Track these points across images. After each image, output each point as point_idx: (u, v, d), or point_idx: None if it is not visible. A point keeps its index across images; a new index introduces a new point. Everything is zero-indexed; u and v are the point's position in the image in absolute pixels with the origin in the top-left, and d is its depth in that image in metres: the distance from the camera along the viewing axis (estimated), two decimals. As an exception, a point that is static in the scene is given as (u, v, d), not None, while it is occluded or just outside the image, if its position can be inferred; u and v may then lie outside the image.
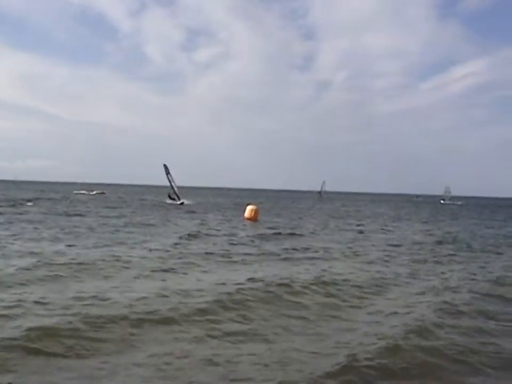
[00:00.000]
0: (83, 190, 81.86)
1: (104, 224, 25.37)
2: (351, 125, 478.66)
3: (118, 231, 22.32)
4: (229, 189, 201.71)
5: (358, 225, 32.46)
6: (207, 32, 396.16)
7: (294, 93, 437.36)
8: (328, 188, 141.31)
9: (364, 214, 49.91)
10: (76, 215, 31.62)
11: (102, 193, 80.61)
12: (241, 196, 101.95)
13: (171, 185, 51.91)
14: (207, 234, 22.07)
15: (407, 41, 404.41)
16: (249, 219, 32.60)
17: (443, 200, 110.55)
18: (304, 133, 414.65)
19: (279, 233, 23.69)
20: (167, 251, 15.85)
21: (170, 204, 49.92)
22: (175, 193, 52.23)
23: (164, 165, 51.34)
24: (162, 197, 60.81)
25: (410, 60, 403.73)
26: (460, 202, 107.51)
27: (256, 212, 33.55)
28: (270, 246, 18.53)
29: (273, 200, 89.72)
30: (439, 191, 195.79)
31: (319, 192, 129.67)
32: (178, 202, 50.65)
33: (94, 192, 79.23)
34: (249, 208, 34.03)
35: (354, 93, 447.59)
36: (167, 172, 50.93)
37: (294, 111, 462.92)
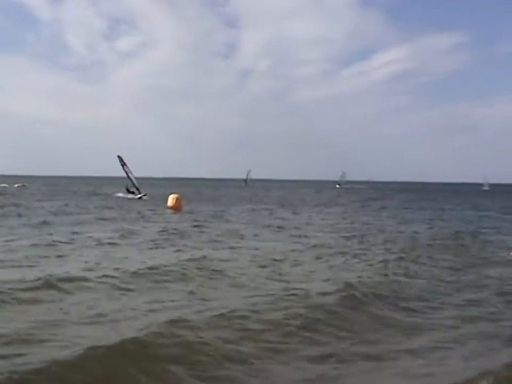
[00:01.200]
0: (3, 184, 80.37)
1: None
2: (275, 112, 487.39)
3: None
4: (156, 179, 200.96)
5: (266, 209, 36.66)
6: (129, 21, 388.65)
7: (217, 81, 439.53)
8: (255, 175, 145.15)
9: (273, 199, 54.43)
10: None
11: (23, 185, 79.43)
12: (167, 186, 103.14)
13: (129, 178, 48.47)
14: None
15: (330, 29, 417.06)
16: (172, 208, 33.83)
17: (338, 184, 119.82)
18: (229, 121, 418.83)
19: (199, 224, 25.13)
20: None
21: (130, 199, 46.22)
22: (134, 185, 48.66)
23: (118, 156, 47.99)
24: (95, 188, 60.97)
25: (333, 48, 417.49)
26: (362, 186, 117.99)
27: (178, 200, 34.68)
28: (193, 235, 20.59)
29: (198, 188, 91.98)
30: (363, 177, 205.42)
31: (245, 180, 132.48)
32: (138, 196, 47.02)
33: (16, 185, 78.00)
34: (171, 197, 34.94)
35: (278, 80, 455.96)
36: (123, 164, 47.71)
37: (218, 99, 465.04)
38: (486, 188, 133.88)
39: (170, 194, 36.63)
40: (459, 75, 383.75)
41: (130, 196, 48.15)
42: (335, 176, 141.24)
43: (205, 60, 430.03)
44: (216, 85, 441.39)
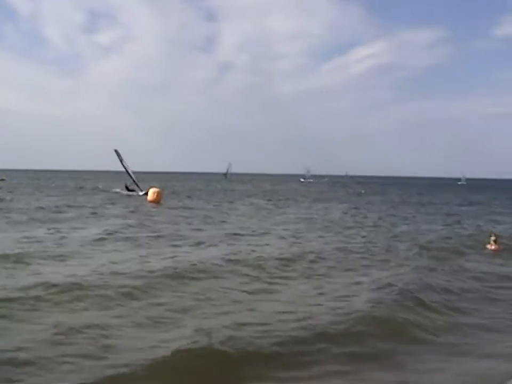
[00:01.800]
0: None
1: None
2: (255, 106, 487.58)
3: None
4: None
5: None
6: (109, 15, 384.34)
7: (196, 75, 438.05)
8: (236, 169, 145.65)
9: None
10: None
11: (2, 179, 78.64)
12: (149, 180, 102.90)
13: (128, 174, 44.14)
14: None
15: (309, 24, 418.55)
16: (152, 201, 34.35)
17: (303, 178, 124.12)
18: (208, 115, 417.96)
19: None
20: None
21: (130, 196, 42.36)
22: (135, 182, 43.99)
23: (115, 150, 43.31)
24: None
25: (313, 42, 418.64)
26: (326, 179, 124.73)
27: (159, 194, 35.27)
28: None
29: (179, 182, 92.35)
30: (341, 172, 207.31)
31: (225, 174, 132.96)
32: (141, 193, 41.17)
33: None
34: (152, 190, 35.59)
35: (257, 75, 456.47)
36: (121, 159, 43.29)
37: (197, 92, 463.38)
38: (462, 183, 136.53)
39: (150, 188, 37.28)
40: (438, 70, 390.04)
41: (130, 193, 43.77)
42: (318, 171, 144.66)
43: (184, 54, 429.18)
44: (195, 78, 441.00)
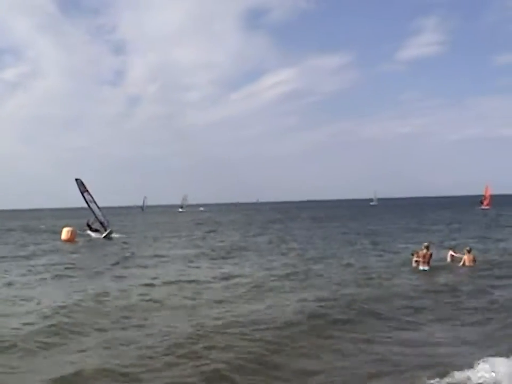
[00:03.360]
0: None
1: None
2: (165, 137, 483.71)
3: None
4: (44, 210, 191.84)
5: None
6: (14, 51, 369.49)
7: (105, 109, 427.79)
8: (151, 202, 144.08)
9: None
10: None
11: None
12: (66, 216, 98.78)
13: (90, 208, 37.21)
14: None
15: (216, 54, 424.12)
16: (66, 241, 33.64)
17: (181, 208, 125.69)
18: (117, 148, 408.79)
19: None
20: None
21: (93, 239, 35.63)
22: (99, 220, 37.47)
23: (76, 179, 36.78)
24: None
25: (220, 72, 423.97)
26: (202, 208, 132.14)
27: (73, 233, 34.59)
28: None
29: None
30: (252, 198, 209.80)
31: (141, 207, 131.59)
32: (103, 235, 35.82)
33: None
34: (65, 230, 34.78)
35: (166, 106, 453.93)
36: (82, 190, 36.94)
37: (106, 126, 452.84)
38: (374, 203, 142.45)
39: (64, 227, 36.19)
40: (346, 94, 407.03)
41: (93, 234, 36.97)
42: (235, 198, 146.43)
43: (92, 88, 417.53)
44: (104, 112, 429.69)
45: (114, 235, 36.82)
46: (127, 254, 25.10)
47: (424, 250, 17.49)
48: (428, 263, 17.35)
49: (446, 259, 18.98)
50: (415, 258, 17.75)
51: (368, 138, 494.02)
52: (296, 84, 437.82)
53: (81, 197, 36.87)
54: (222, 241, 32.29)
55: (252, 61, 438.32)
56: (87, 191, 37.25)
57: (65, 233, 34.50)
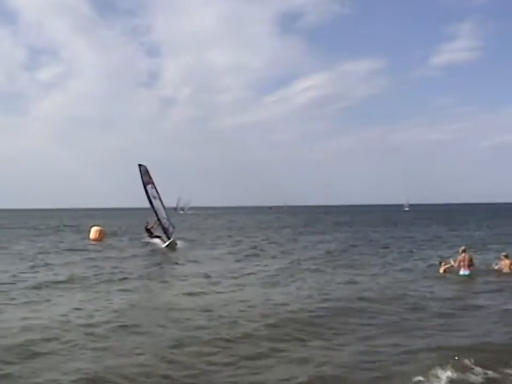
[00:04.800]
0: None
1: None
2: (198, 140, 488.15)
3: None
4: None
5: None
6: (50, 51, 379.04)
7: (140, 110, 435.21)
8: (182, 203, 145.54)
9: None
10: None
11: None
12: (97, 217, 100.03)
13: (152, 208, 28.53)
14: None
15: (250, 57, 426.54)
16: (94, 240, 33.42)
17: (182, 210, 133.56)
18: (152, 150, 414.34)
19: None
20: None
21: (155, 248, 27.78)
22: (162, 225, 28.74)
23: (140, 165, 28.67)
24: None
25: (254, 75, 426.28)
26: (190, 212, 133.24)
27: (101, 233, 34.52)
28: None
29: (124, 219, 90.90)
30: (279, 202, 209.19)
31: (175, 209, 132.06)
32: (165, 244, 27.78)
33: None
34: (94, 229, 34.71)
35: (200, 108, 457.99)
36: (146, 181, 28.73)
37: (141, 128, 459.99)
38: (406, 209, 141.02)
39: (92, 226, 36.46)
40: (377, 99, 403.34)
41: (157, 241, 29.47)
42: (268, 202, 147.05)
43: (127, 89, 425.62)
44: (139, 114, 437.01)
45: (179, 245, 28.76)
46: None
47: (462, 255, 16.97)
48: (469, 266, 16.83)
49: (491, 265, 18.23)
50: (443, 266, 17.49)
51: (399, 145, 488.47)
52: (327, 89, 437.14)
53: (143, 189, 28.47)
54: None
55: (284, 65, 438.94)
56: (153, 183, 29.53)
57: (93, 232, 34.43)
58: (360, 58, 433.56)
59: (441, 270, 17.47)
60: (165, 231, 29.07)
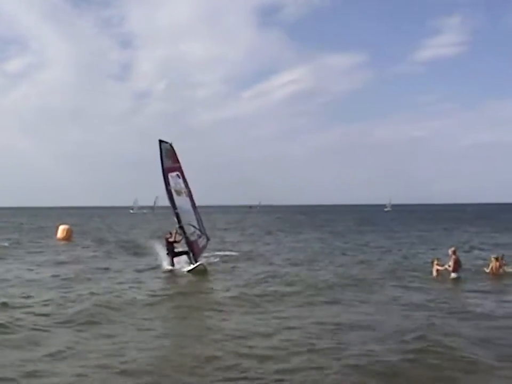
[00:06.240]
0: None
1: None
2: (174, 135, 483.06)
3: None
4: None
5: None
6: (19, 41, 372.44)
7: (112, 104, 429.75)
8: (162, 202, 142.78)
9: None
10: None
11: None
12: (60, 215, 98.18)
13: (173, 206, 19.67)
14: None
15: (227, 50, 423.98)
16: (62, 239, 32.99)
17: (132, 209, 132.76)
18: (123, 145, 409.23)
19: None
20: None
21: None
22: (184, 235, 19.60)
23: (162, 142, 20.01)
24: None
25: (232, 69, 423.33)
26: (145, 211, 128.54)
27: (68, 231, 33.96)
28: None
29: (88, 218, 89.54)
30: (270, 201, 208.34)
31: (152, 207, 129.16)
32: (187, 269, 19.20)
33: None
34: (61, 228, 34.13)
35: (175, 103, 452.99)
36: (169, 167, 20.21)
37: (113, 122, 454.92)
38: (388, 209, 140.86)
39: (59, 225, 35.75)
40: (359, 94, 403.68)
41: (180, 258, 20.28)
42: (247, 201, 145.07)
43: (98, 82, 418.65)
44: (110, 107, 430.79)
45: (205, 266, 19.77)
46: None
47: (453, 256, 16.86)
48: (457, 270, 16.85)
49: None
50: (436, 267, 17.25)
51: (381, 141, 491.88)
52: (308, 83, 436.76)
53: (162, 178, 19.77)
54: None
55: (263, 58, 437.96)
56: (179, 169, 20.92)
57: (60, 231, 33.78)
58: (342, 52, 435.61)
59: (434, 273, 17.26)
60: (190, 245, 19.69)
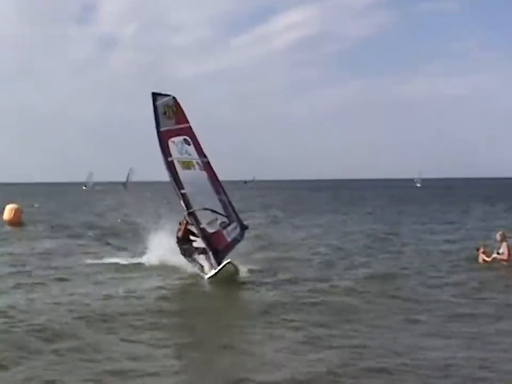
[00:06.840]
0: None
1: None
2: (145, 93, 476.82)
3: None
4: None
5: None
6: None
7: (70, 53, 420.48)
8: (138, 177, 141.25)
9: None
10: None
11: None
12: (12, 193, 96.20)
13: (177, 186, 16.89)
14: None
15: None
16: (9, 222, 33.12)
17: (85, 186, 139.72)
18: (83, 106, 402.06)
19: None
20: None
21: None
22: (197, 225, 16.53)
23: (154, 94, 17.08)
24: None
25: (219, 8, 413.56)
26: (100, 188, 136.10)
27: (17, 212, 33.87)
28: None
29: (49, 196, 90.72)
30: (268, 175, 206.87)
31: (123, 184, 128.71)
32: (209, 274, 16.16)
33: None
34: (8, 207, 34.11)
35: (147, 52, 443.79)
36: (170, 127, 17.45)
37: (70, 76, 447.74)
38: (418, 185, 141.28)
39: (8, 205, 35.50)
40: (377, 41, 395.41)
41: (201, 261, 17.23)
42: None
43: (53, 27, 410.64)
44: (67, 58, 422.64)
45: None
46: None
47: (504, 242, 17.62)
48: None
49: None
50: (481, 255, 17.84)
51: (405, 100, 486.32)
52: (315, 28, 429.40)
53: (158, 142, 17.20)
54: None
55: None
56: (187, 133, 18.15)
57: (7, 212, 33.62)
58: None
59: (480, 260, 17.97)
60: (207, 239, 16.75)
